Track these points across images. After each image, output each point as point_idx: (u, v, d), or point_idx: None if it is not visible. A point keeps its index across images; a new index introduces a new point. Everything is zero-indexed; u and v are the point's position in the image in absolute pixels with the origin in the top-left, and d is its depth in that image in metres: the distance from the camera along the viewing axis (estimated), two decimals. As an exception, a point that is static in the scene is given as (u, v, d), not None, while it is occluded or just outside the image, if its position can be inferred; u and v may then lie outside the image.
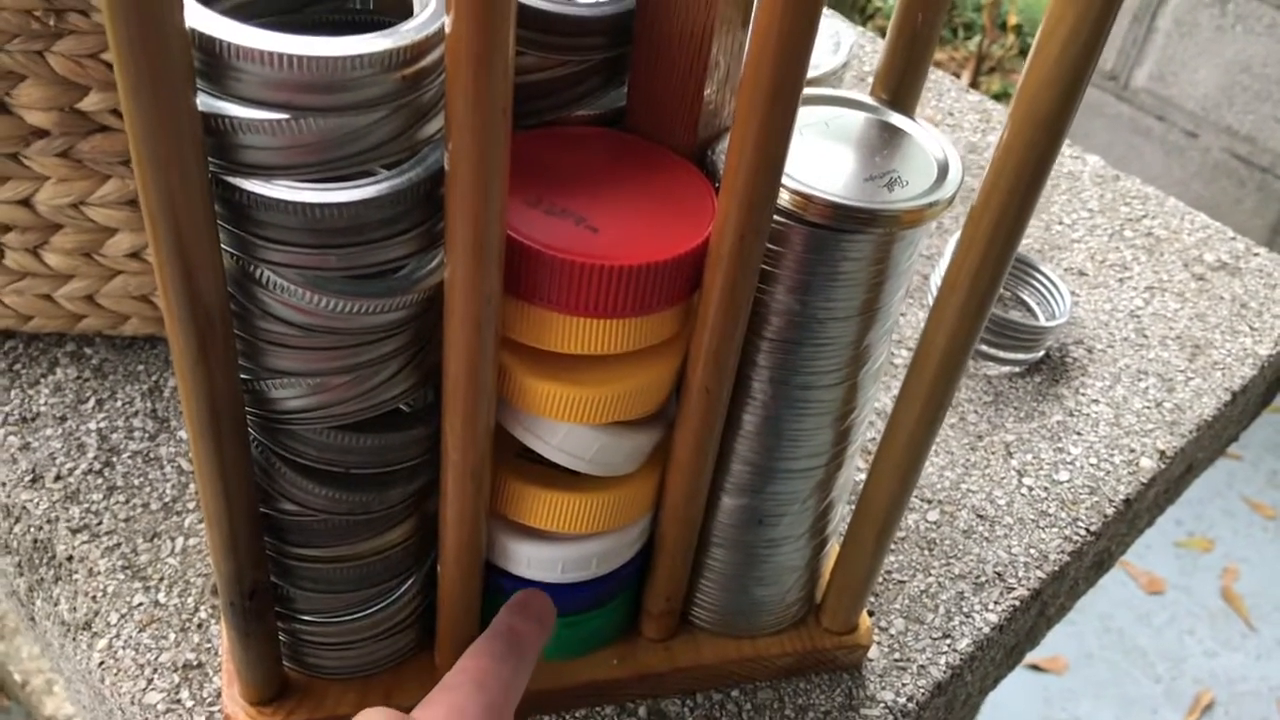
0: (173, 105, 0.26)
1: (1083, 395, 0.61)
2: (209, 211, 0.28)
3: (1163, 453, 0.59)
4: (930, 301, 0.37)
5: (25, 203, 0.50)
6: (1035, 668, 1.41)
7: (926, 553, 0.53)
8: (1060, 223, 0.73)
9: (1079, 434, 0.59)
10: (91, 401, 0.54)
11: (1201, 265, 0.71)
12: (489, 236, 0.30)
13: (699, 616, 0.46)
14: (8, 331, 0.56)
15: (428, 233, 0.32)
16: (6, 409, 0.53)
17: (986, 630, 0.50)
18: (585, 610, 0.43)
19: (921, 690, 0.48)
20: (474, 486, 0.36)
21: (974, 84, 2.24)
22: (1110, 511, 0.56)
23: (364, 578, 0.39)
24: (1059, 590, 0.56)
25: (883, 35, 0.40)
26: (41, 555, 0.49)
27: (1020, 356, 0.62)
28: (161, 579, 0.48)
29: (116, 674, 0.45)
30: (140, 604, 0.47)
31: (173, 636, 0.46)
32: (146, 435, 0.53)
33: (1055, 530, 0.54)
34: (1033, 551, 0.54)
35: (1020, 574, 0.53)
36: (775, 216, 0.34)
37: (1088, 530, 0.55)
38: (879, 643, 0.49)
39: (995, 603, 0.51)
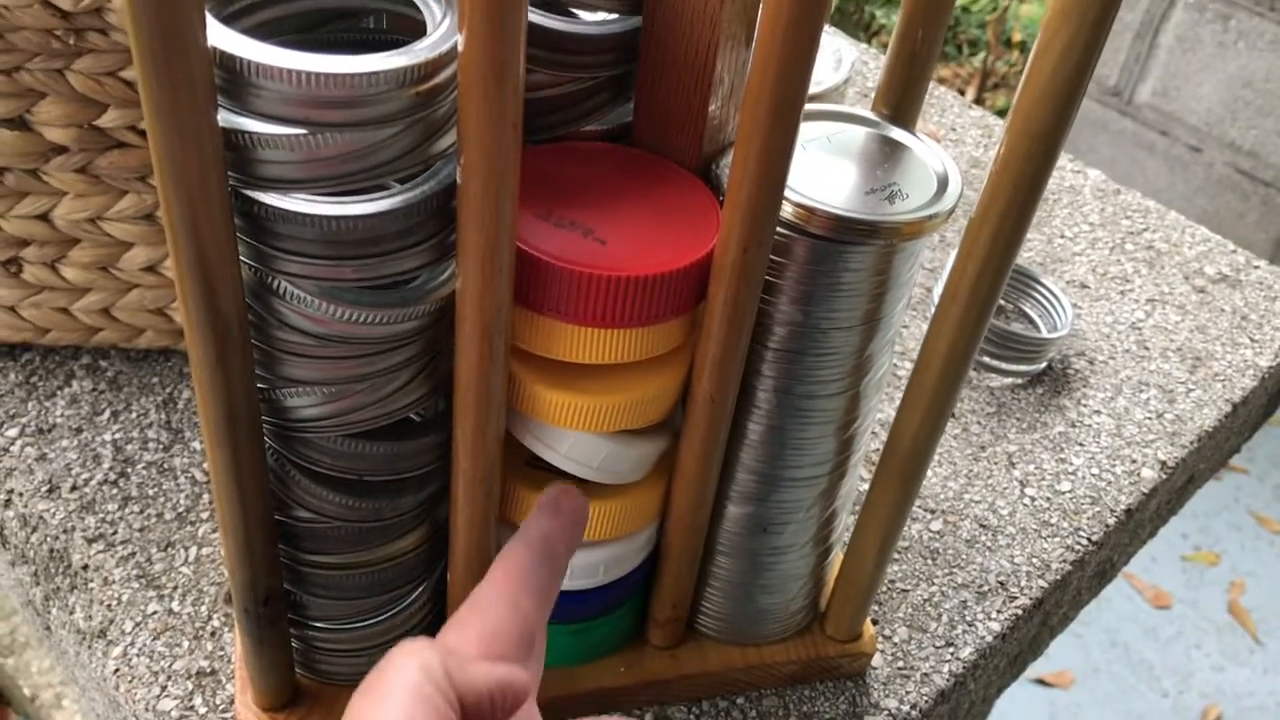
0: (195, 121, 0.27)
1: (1084, 406, 0.62)
2: (229, 224, 0.29)
3: (1164, 463, 0.59)
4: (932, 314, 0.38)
5: (44, 218, 0.51)
6: (1042, 682, 1.41)
7: (930, 562, 0.54)
8: (1062, 236, 0.73)
9: (1081, 445, 0.60)
10: (107, 413, 0.55)
11: (1202, 278, 0.72)
12: (500, 249, 0.31)
13: (705, 624, 0.47)
14: (25, 344, 0.57)
15: (440, 244, 0.33)
16: (23, 420, 0.54)
17: (989, 639, 0.51)
18: (593, 617, 0.44)
19: (925, 698, 0.48)
20: (484, 493, 0.37)
21: (979, 100, 2.26)
22: (1112, 521, 0.56)
23: (376, 584, 0.40)
24: (1062, 599, 0.56)
25: (885, 52, 0.40)
26: (58, 564, 0.50)
27: (1022, 368, 0.62)
28: (175, 587, 0.49)
29: (131, 681, 0.45)
30: (154, 612, 0.48)
31: (186, 644, 0.47)
32: (161, 446, 0.54)
33: (1057, 540, 0.55)
34: (1035, 561, 0.54)
35: (1023, 583, 0.53)
36: (778, 228, 0.35)
37: (1090, 540, 0.55)
38: (883, 651, 0.50)
39: (998, 611, 0.52)
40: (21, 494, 0.51)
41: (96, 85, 0.47)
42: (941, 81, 2.32)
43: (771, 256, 0.36)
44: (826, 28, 0.45)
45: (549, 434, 0.38)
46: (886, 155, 0.38)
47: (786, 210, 0.35)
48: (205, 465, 0.53)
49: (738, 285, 0.35)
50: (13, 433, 0.54)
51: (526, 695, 0.31)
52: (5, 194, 0.50)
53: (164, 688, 0.45)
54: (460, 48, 0.27)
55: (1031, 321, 0.66)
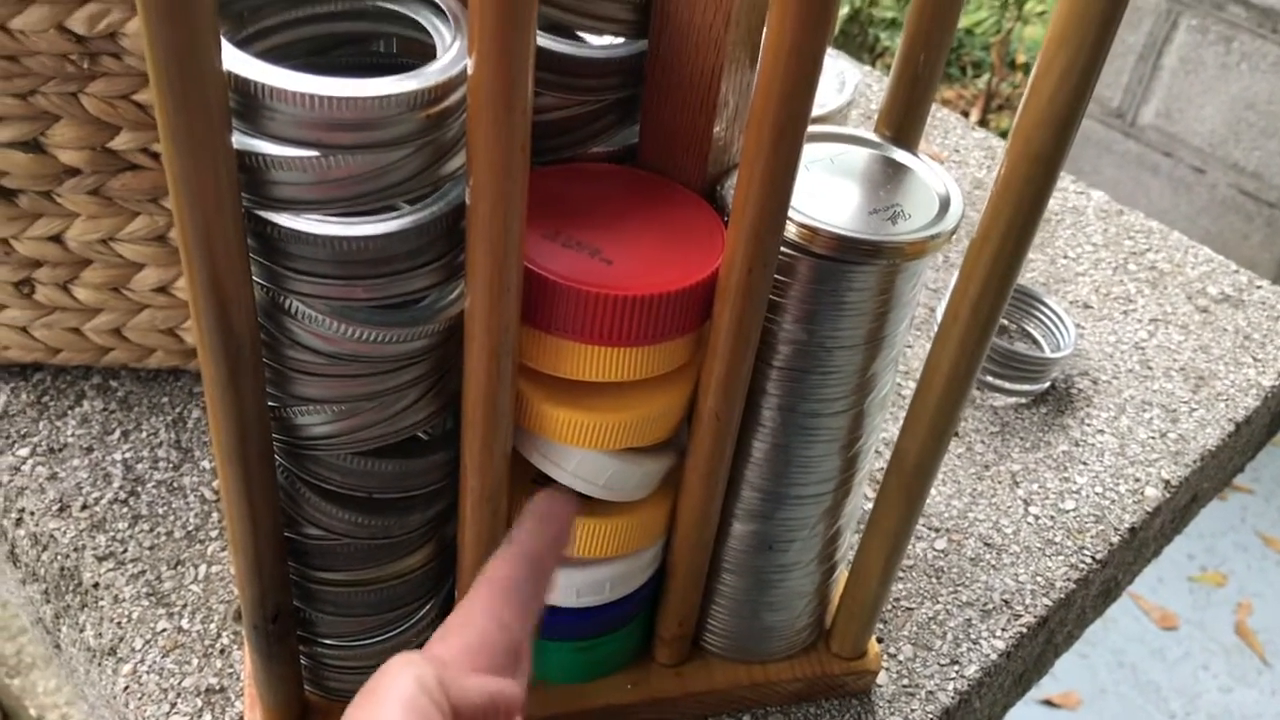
0: (209, 144, 0.28)
1: (1088, 426, 0.62)
2: (242, 245, 0.30)
3: (1167, 482, 0.59)
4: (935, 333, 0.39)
5: (56, 239, 0.52)
6: (1049, 703, 1.41)
7: (934, 580, 0.54)
8: (1065, 256, 0.74)
9: (1084, 464, 0.60)
10: (117, 432, 0.55)
11: (1205, 298, 0.72)
12: (508, 269, 0.32)
13: (710, 642, 0.47)
14: (37, 364, 0.58)
15: (449, 264, 0.33)
16: (35, 440, 0.55)
17: (994, 657, 0.51)
18: (600, 635, 0.44)
19: (930, 716, 0.48)
20: (491, 511, 0.37)
21: (983, 121, 2.27)
22: (1116, 540, 0.56)
23: (385, 601, 0.40)
24: (1066, 618, 0.56)
25: (888, 73, 0.41)
26: (68, 583, 0.50)
27: (1026, 388, 0.63)
28: (185, 605, 0.49)
29: (141, 699, 0.46)
30: (164, 630, 0.48)
31: (195, 661, 0.47)
32: (170, 465, 0.54)
33: (1061, 559, 0.55)
34: (1039, 579, 0.54)
35: (1027, 601, 0.53)
36: (783, 248, 0.36)
37: (1093, 558, 0.55)
38: (888, 669, 0.50)
39: (1003, 630, 0.52)
40: (33, 513, 0.52)
41: (110, 108, 0.48)
42: (946, 103, 2.33)
43: (776, 276, 0.36)
44: (830, 50, 0.46)
45: (556, 451, 0.38)
46: (889, 176, 0.39)
47: (790, 230, 0.36)
48: (215, 484, 0.53)
49: (742, 304, 0.35)
50: (24, 452, 0.54)
51: (519, 708, 0.31)
52: (19, 216, 0.51)
53: (174, 705, 0.46)
54: (470, 72, 0.28)
55: (1035, 341, 0.67)
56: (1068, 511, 0.58)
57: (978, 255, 0.36)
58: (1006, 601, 0.53)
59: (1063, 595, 0.54)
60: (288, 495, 0.37)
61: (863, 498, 0.45)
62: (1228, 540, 1.62)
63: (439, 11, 0.33)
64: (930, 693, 0.49)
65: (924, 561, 0.55)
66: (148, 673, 0.47)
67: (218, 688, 0.46)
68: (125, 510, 0.52)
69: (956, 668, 0.50)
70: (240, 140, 0.29)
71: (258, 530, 0.36)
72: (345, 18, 0.34)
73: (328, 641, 0.41)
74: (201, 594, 0.49)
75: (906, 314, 0.40)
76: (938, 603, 0.53)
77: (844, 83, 0.44)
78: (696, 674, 0.47)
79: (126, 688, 0.46)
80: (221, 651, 0.47)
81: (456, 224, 0.32)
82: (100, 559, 0.50)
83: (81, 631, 0.49)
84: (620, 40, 0.37)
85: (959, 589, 0.54)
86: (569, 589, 0.41)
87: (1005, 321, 0.68)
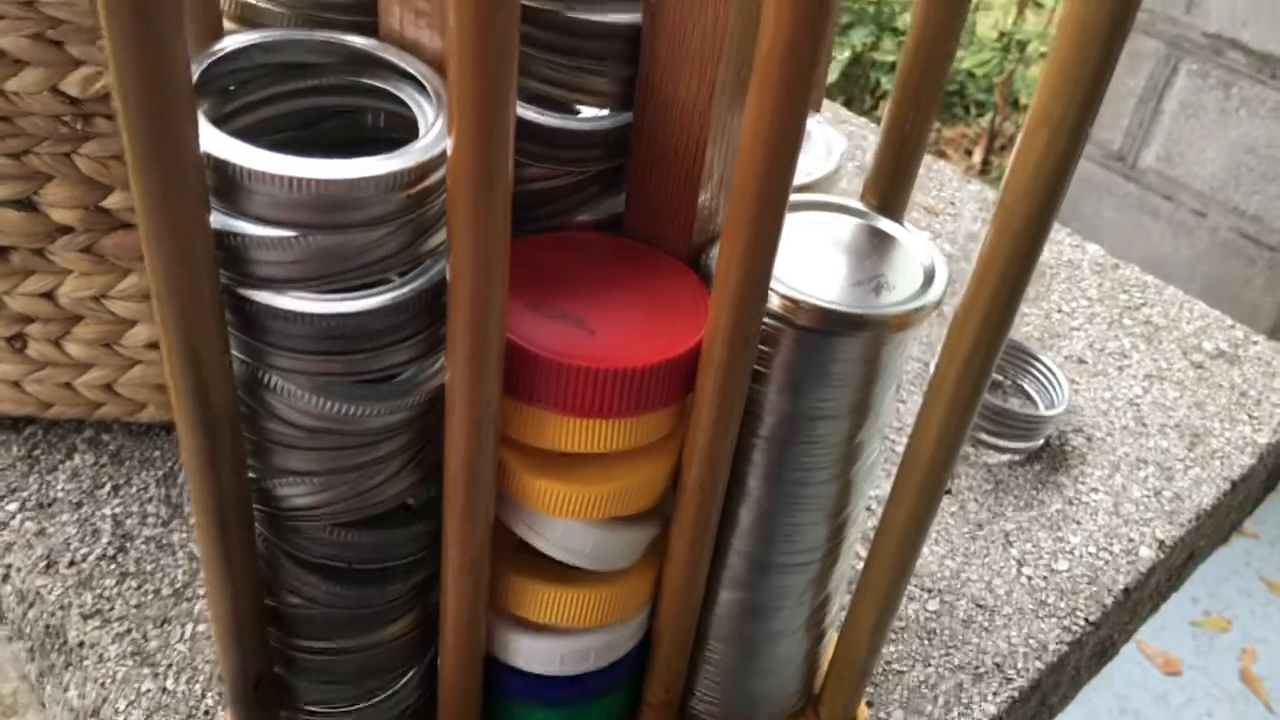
0: (186, 223, 0.28)
1: (1082, 484, 0.62)
2: (220, 322, 0.30)
3: (1162, 542, 0.59)
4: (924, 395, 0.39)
5: (48, 295, 0.52)
6: (1051, 751, 1.39)
7: (926, 642, 0.53)
8: (1059, 311, 0.74)
9: (1078, 523, 0.60)
10: (108, 487, 0.55)
11: (1200, 354, 0.72)
12: (488, 345, 0.32)
13: (698, 708, 0.47)
14: (29, 418, 0.58)
15: (430, 339, 0.33)
16: (24, 494, 0.55)
17: (986, 721, 0.50)
18: (585, 702, 0.44)
19: (920, 782, 0.48)
20: (472, 582, 0.37)
21: (986, 161, 2.27)
22: (1109, 601, 0.56)
23: (366, 669, 0.40)
24: (1060, 681, 0.56)
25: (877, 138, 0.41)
26: (53, 641, 0.50)
27: (1020, 445, 0.62)
28: (170, 665, 0.49)
29: (123, 760, 0.45)
30: (148, 690, 0.48)
31: (179, 723, 0.47)
32: (160, 521, 0.54)
33: (1054, 620, 0.55)
34: (1032, 642, 0.54)
35: (1020, 665, 0.53)
36: (766, 319, 0.36)
37: (1086, 620, 0.55)
38: (878, 734, 0.50)
39: (994, 694, 0.52)
40: (20, 569, 0.52)
41: (102, 168, 0.48)
42: (949, 142, 2.34)
43: (759, 346, 0.36)
44: (817, 117, 0.46)
45: (539, 522, 0.38)
46: (874, 246, 0.39)
47: (774, 302, 0.36)
48: (203, 541, 0.53)
49: (724, 377, 0.35)
50: (13, 507, 0.54)
51: None
52: (11, 272, 0.51)
53: (155, 768, 0.45)
54: (449, 153, 0.28)
55: (1029, 398, 0.66)
56: (1061, 572, 0.57)
57: (965, 320, 0.36)
58: (998, 665, 0.53)
59: (1055, 658, 0.53)
60: (268, 564, 0.37)
61: (854, 559, 0.45)
62: (1232, 585, 1.61)
63: (422, 89, 0.33)
64: (920, 759, 0.49)
65: (915, 623, 0.54)
66: (131, 735, 0.46)
67: (200, 751, 0.46)
68: (113, 567, 0.52)
69: (947, 733, 0.50)
70: (219, 219, 0.29)
71: (238, 599, 0.36)
72: (332, 92, 0.34)
73: (309, 709, 0.41)
74: (187, 653, 0.49)
75: (892, 383, 0.40)
76: (929, 665, 0.52)
77: (830, 150, 0.44)
78: (683, 740, 0.47)
79: (109, 750, 0.46)
80: (205, 713, 0.47)
81: (438, 299, 0.32)
82: (86, 617, 0.50)
83: (65, 691, 0.49)
84: (605, 113, 0.37)
85: (950, 651, 0.53)
86: (552, 657, 0.41)
87: (999, 377, 0.68)
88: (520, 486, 0.37)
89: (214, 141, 0.28)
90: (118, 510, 0.54)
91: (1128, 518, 0.60)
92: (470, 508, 0.35)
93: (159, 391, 0.56)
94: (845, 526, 0.42)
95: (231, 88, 0.33)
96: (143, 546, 0.53)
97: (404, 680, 0.42)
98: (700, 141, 0.36)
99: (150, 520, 0.54)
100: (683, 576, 0.41)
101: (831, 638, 0.48)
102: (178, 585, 0.51)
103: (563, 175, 0.38)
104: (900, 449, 0.62)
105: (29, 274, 0.51)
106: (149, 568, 0.52)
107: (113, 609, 0.50)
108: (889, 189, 0.41)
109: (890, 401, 0.40)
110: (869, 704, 0.50)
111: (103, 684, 0.48)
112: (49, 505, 0.54)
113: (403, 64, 0.33)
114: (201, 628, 0.50)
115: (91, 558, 0.52)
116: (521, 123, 0.36)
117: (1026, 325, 0.72)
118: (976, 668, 0.53)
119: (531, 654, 0.41)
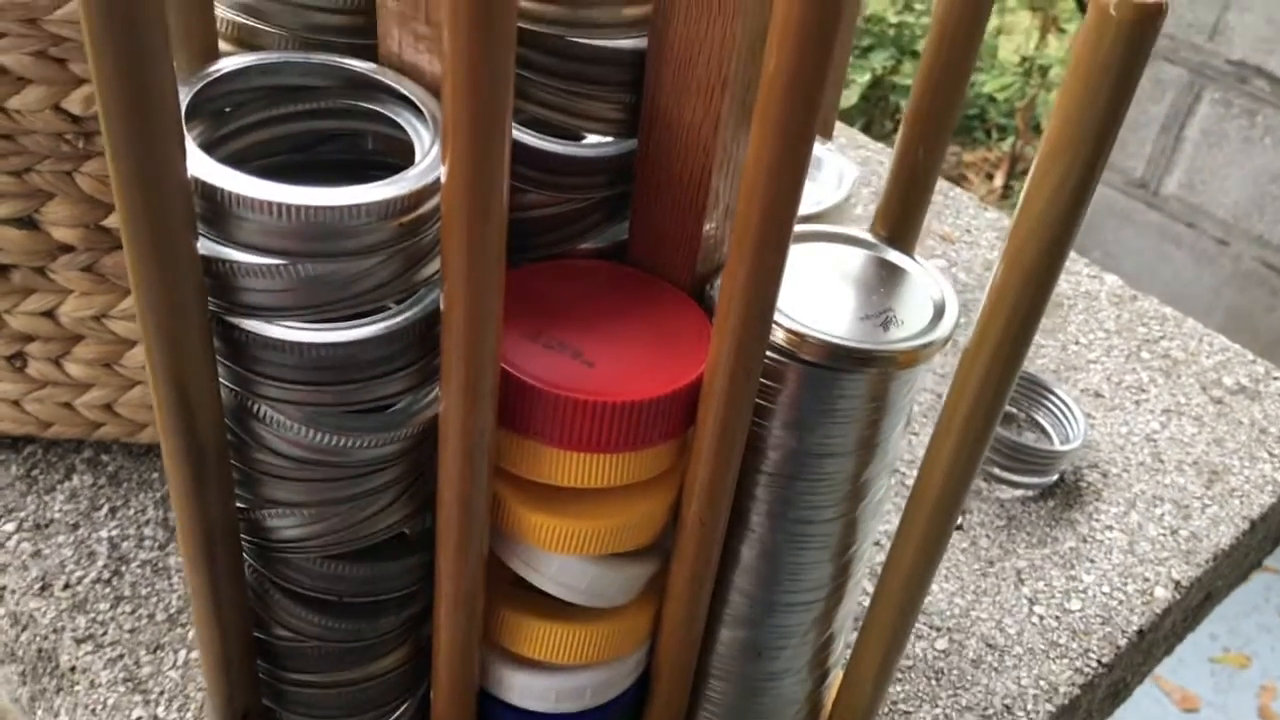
0: (173, 250, 0.27)
1: (1096, 521, 0.61)
2: (208, 351, 0.29)
3: (1178, 583, 0.58)
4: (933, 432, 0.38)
5: (49, 314, 0.51)
6: (1064, 786, 1.37)
7: (934, 682, 0.52)
8: (1076, 343, 0.73)
9: (1092, 561, 0.58)
10: (105, 509, 0.55)
11: (1220, 389, 0.70)
12: (482, 376, 0.31)
13: (698, 746, 0.46)
14: (28, 437, 0.57)
15: (424, 369, 0.32)
16: (21, 515, 0.54)
17: (994, 765, 0.49)
18: (581, 739, 0.43)
19: (926, 828, 0.47)
20: (465, 616, 0.36)
21: (1007, 186, 2.26)
22: (1123, 643, 0.55)
23: (357, 703, 0.39)
24: (1071, 723, 0.55)
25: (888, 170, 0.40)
26: (45, 665, 0.49)
27: (1034, 480, 0.61)
28: (162, 692, 0.48)
29: (111, 790, 0.45)
30: (139, 717, 0.47)
31: (169, 752, 0.46)
32: (157, 545, 0.53)
33: (1066, 661, 0.54)
34: (1043, 683, 0.53)
35: (1029, 706, 0.52)
36: (770, 354, 0.35)
37: (1099, 662, 0.54)
38: (883, 776, 0.48)
39: (1004, 737, 0.50)
40: (14, 591, 0.51)
41: (104, 187, 0.48)
42: (969, 166, 2.33)
43: (763, 381, 0.35)
44: (829, 145, 0.45)
45: (535, 557, 0.37)
46: (883, 279, 0.38)
47: (778, 335, 0.35)
48: (200, 565, 0.53)
49: (726, 411, 0.34)
50: (9, 527, 0.53)
51: None
52: (11, 291, 0.50)
53: (143, 799, 0.44)
54: (443, 181, 0.27)
55: (1044, 432, 0.65)
56: (1073, 612, 0.56)
57: (975, 355, 0.35)
58: (1008, 707, 0.51)
59: (1066, 700, 0.52)
60: (257, 596, 0.36)
61: (859, 597, 0.44)
62: (1251, 621, 1.59)
63: (418, 113, 0.32)
64: (926, 803, 0.47)
65: (923, 662, 0.53)
66: (120, 763, 0.45)
67: (190, 781, 0.45)
68: (108, 590, 0.51)
69: (954, 777, 0.48)
70: (207, 246, 0.28)
71: (226, 632, 0.35)
72: (328, 115, 0.34)
73: (299, 742, 0.40)
74: (179, 680, 0.48)
75: (900, 419, 0.39)
76: (936, 706, 0.51)
77: (842, 179, 0.43)
78: (682, 780, 0.46)
79: (97, 779, 0.45)
80: (196, 743, 0.46)
81: (431, 329, 0.32)
82: (79, 641, 0.49)
83: (56, 717, 0.48)
84: (609, 139, 0.36)
85: (959, 692, 0.52)
86: (547, 693, 0.40)
87: (1014, 410, 0.66)
88: (515, 521, 0.36)
89: (202, 166, 0.28)
90: (114, 533, 0.54)
91: (1143, 557, 0.59)
92: (464, 541, 0.34)
93: (159, 412, 0.55)
94: (851, 564, 0.41)
95: (227, 109, 0.33)
96: (138, 570, 0.52)
97: (396, 715, 0.41)
98: (706, 168, 0.35)
99: (147, 543, 0.53)
100: (682, 614, 0.40)
101: (836, 677, 0.47)
102: (172, 610, 0.51)
103: (565, 202, 0.37)
104: (910, 483, 0.61)
105: (30, 292, 0.51)
106: (144, 592, 0.51)
107: (106, 633, 0.50)
108: (900, 220, 0.40)
109: (898, 438, 0.39)
110: (874, 745, 0.49)
111: (93, 710, 0.47)
112: (46, 526, 0.54)
113: (401, 88, 0.33)
114: (194, 654, 0.49)
115: (86, 581, 0.52)
116: (523, 149, 0.35)
117: (1042, 357, 0.71)
118: (985, 709, 0.51)
119: (526, 690, 0.40)
